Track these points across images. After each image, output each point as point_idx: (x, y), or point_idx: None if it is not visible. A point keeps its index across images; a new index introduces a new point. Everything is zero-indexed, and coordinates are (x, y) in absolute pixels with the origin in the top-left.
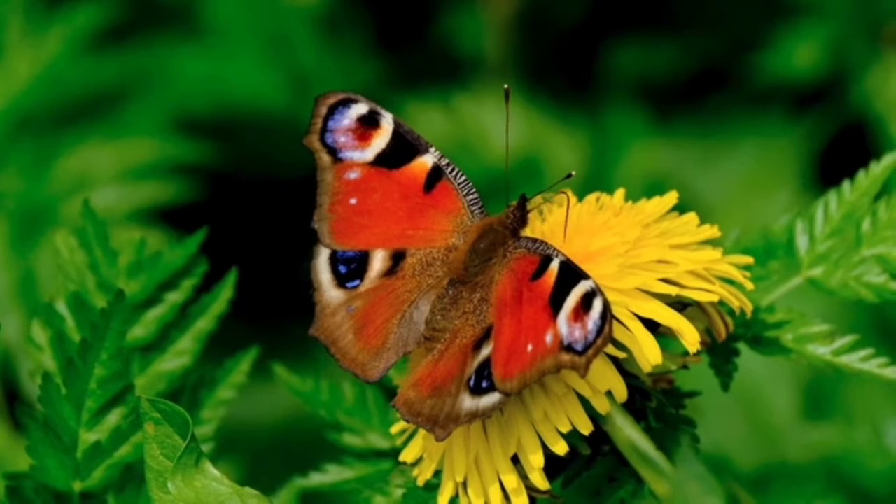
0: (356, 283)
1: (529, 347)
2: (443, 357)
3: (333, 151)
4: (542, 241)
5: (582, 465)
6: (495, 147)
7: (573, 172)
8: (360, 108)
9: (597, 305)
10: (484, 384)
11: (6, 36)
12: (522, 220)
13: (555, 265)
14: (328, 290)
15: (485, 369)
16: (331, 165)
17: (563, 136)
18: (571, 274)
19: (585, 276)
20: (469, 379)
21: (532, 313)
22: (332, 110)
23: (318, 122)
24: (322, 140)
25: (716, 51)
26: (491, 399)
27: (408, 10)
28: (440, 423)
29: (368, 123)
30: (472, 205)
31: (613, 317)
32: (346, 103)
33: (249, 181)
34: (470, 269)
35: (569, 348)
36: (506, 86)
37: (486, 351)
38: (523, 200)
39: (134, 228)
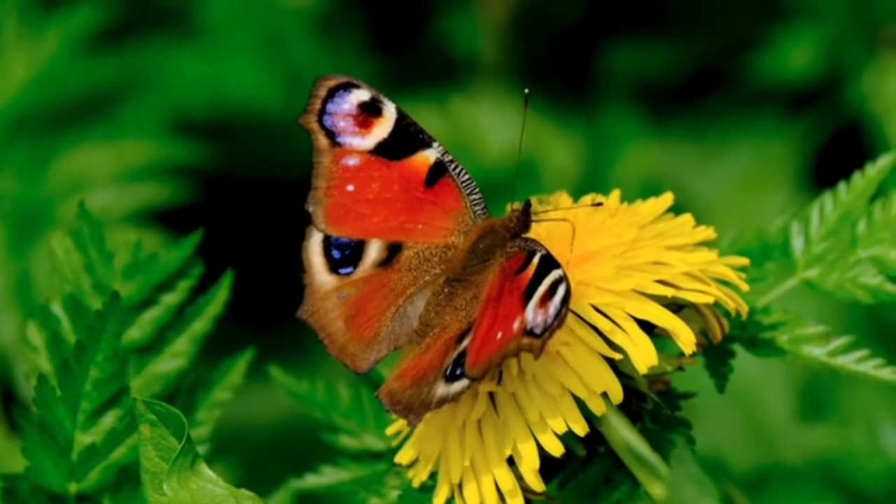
0: (349, 269)
1: (499, 335)
2: (428, 350)
3: (332, 135)
4: (533, 240)
5: (578, 466)
6: (491, 148)
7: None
8: (362, 95)
9: (560, 291)
10: (458, 372)
11: (2, 37)
12: (525, 226)
13: (536, 259)
14: (319, 273)
15: (462, 359)
16: (329, 149)
17: (560, 137)
18: (547, 265)
19: (557, 266)
20: (446, 368)
21: (508, 303)
22: (332, 93)
23: (317, 104)
24: (320, 122)
25: (712, 52)
26: (460, 385)
27: (403, 10)
28: (414, 410)
29: (370, 111)
30: (475, 205)
31: (570, 309)
32: (348, 87)
33: (245, 182)
34: (468, 269)
35: (530, 333)
36: (527, 90)
37: (466, 342)
38: (528, 205)
39: (130, 230)
